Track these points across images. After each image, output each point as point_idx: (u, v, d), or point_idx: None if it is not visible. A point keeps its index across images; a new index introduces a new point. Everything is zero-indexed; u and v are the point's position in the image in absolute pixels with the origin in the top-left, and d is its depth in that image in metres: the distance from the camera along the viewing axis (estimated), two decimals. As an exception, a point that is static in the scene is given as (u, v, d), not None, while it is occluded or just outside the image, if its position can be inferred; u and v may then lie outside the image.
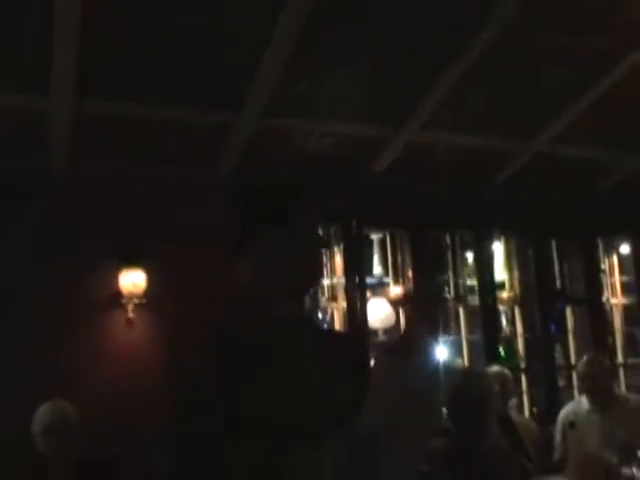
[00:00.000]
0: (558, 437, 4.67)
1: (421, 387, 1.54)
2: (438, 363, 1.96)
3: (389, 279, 6.03)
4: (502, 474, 3.88)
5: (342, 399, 1.62)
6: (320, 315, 5.71)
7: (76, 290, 4.63)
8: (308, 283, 1.99)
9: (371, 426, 1.48)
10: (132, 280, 4.77)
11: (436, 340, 5.78)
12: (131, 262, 4.77)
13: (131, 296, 4.77)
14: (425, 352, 1.67)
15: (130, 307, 4.79)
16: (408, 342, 1.73)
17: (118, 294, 4.80)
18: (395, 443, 1.46)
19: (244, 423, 1.52)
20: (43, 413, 3.65)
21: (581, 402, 4.62)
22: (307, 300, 5.26)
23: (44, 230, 4.64)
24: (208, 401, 1.57)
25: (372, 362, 1.77)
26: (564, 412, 4.70)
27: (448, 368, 1.89)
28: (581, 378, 4.71)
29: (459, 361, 6.05)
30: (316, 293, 5.68)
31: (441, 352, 5.83)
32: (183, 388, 1.64)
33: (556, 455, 4.64)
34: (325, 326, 5.33)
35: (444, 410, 3.50)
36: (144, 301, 4.79)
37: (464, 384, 4.08)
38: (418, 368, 1.62)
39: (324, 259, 5.55)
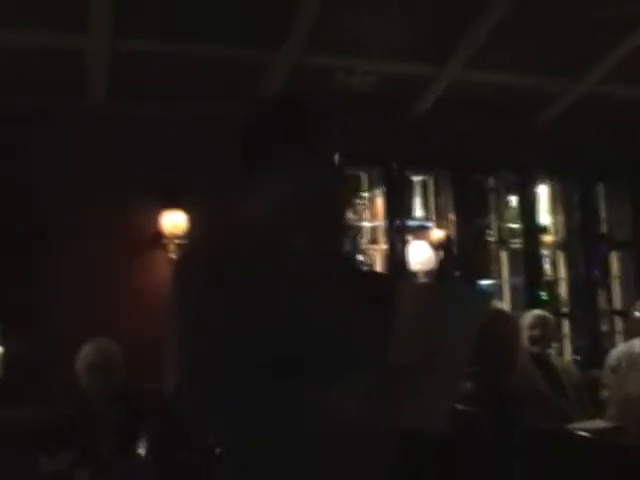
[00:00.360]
0: (605, 379, 4.65)
1: (448, 315, 1.45)
2: (467, 291, 1.91)
3: (431, 222, 5.97)
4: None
5: (361, 334, 1.52)
6: (361, 257, 5.68)
7: (117, 230, 4.65)
8: (328, 216, 1.73)
9: (397, 360, 1.41)
10: (173, 220, 4.78)
11: (478, 283, 5.77)
12: (171, 203, 4.77)
13: (172, 236, 4.78)
14: (451, 280, 1.60)
15: (171, 247, 4.80)
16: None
17: (159, 234, 4.81)
18: (425, 378, 1.40)
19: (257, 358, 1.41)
20: (87, 351, 3.71)
21: (633, 345, 4.57)
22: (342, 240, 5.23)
23: (83, 170, 4.66)
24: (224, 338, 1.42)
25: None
26: (613, 354, 4.68)
27: (478, 297, 1.79)
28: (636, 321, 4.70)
29: (500, 305, 6.02)
30: (356, 235, 5.66)
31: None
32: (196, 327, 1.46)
33: (603, 396, 4.63)
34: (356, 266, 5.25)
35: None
36: (185, 241, 4.80)
37: (490, 322, 4.08)
38: (444, 296, 1.54)
39: (352, 193, 5.44)
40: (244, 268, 1.46)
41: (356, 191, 5.77)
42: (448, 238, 5.79)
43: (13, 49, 4.27)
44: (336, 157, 1.69)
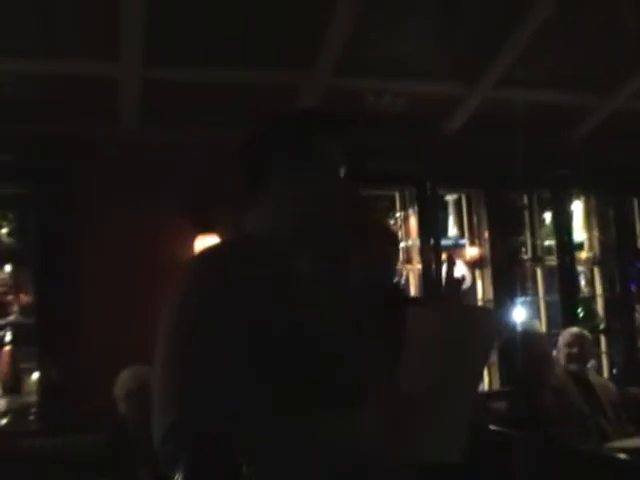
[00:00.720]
0: None
1: (465, 336, 1.39)
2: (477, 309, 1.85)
3: (465, 240, 5.94)
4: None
5: (365, 361, 1.48)
6: (395, 278, 5.66)
7: (151, 257, 4.68)
8: (331, 230, 1.63)
9: (410, 388, 1.36)
10: (207, 245, 4.80)
11: (512, 302, 5.73)
12: (205, 227, 4.79)
13: (206, 261, 4.79)
14: (461, 299, 1.55)
15: (207, 272, 4.81)
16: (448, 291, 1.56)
17: (194, 259, 4.83)
18: (440, 406, 1.35)
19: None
20: (125, 378, 3.75)
21: None
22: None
23: (115, 197, 4.71)
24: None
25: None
26: None
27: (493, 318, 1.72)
28: None
29: (536, 322, 5.97)
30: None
31: (519, 313, 5.79)
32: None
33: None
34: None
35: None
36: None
37: (522, 342, 4.08)
38: (459, 316, 1.47)
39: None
40: (243, 287, 1.40)
41: (389, 210, 5.77)
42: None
43: (46, 77, 4.35)
44: (346, 170, 1.64)
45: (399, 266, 5.71)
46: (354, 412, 1.38)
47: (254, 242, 1.57)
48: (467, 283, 5.76)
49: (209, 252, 1.60)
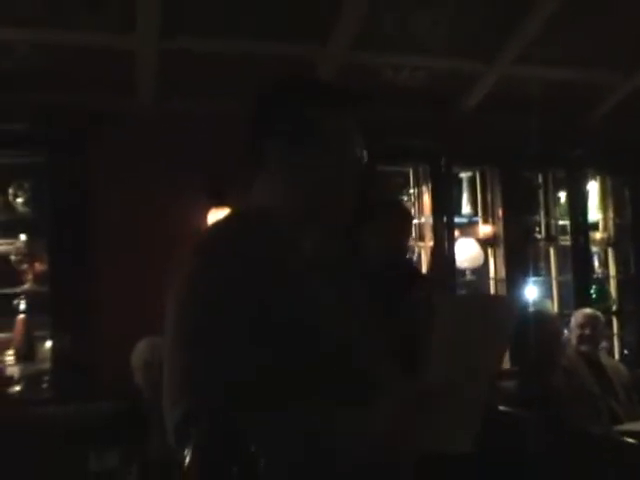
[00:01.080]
0: None
1: (489, 328, 1.37)
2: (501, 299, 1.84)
3: (478, 218, 5.92)
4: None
5: (368, 346, 1.45)
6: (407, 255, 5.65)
7: (164, 227, 4.69)
8: (336, 210, 1.56)
9: (436, 379, 1.32)
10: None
11: (524, 281, 5.71)
12: (219, 200, 4.79)
13: (219, 234, 4.79)
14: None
15: (218, 244, 4.82)
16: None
17: (206, 232, 4.84)
18: (459, 396, 1.34)
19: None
20: (143, 348, 3.79)
21: None
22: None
23: (130, 168, 4.72)
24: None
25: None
26: None
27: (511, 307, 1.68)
28: None
29: (548, 302, 5.96)
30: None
31: (531, 292, 5.78)
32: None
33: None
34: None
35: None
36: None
37: (532, 322, 4.08)
38: (486, 307, 1.46)
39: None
40: (248, 265, 1.38)
41: (402, 186, 5.75)
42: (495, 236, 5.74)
43: (61, 47, 4.35)
44: (356, 143, 1.56)
45: (411, 243, 5.71)
46: (360, 402, 1.35)
47: (259, 218, 1.52)
48: (480, 261, 5.75)
49: (217, 227, 1.59)
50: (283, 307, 1.36)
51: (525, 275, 5.75)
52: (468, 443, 1.40)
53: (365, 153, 1.58)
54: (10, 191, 4.80)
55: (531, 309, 5.48)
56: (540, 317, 4.81)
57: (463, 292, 5.65)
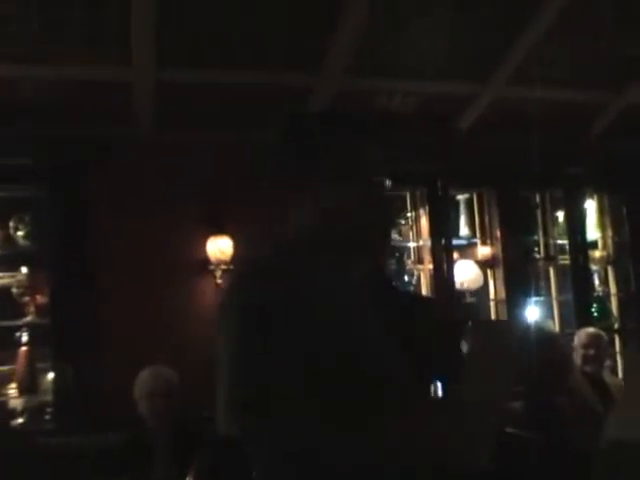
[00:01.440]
0: None
1: (490, 352, 1.45)
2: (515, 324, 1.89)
3: (477, 240, 5.93)
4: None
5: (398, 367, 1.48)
6: (406, 278, 5.66)
7: (164, 257, 4.71)
8: (368, 233, 1.58)
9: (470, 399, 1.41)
10: (219, 247, 4.82)
11: (525, 301, 5.71)
12: (218, 229, 4.82)
13: (219, 262, 4.83)
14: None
15: (218, 273, 4.85)
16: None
17: (206, 260, 4.87)
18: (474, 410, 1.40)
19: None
20: (146, 377, 3.76)
21: None
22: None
23: (130, 198, 4.75)
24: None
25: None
26: None
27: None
28: None
29: (549, 322, 5.95)
30: (402, 256, 5.65)
31: (531, 313, 5.77)
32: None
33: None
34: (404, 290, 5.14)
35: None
36: (232, 267, 4.84)
37: (541, 345, 4.06)
38: (485, 334, 1.53)
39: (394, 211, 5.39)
40: (285, 299, 1.39)
41: (400, 210, 5.77)
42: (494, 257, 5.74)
43: (60, 81, 4.39)
44: (377, 171, 1.59)
45: (410, 266, 5.72)
46: (378, 421, 1.38)
47: (303, 250, 1.54)
48: (479, 282, 5.75)
49: (265, 260, 1.55)
50: (329, 354, 1.38)
51: (525, 295, 5.75)
52: (482, 459, 1.44)
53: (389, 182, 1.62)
54: (11, 224, 4.83)
55: (535, 329, 5.47)
56: (545, 337, 4.80)
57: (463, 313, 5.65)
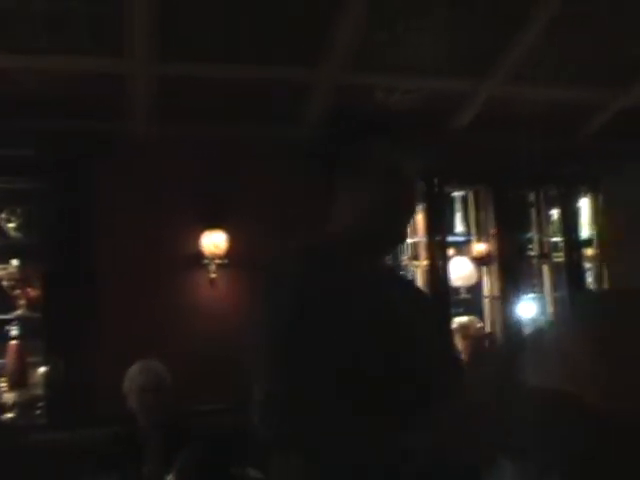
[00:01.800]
0: None
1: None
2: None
3: (472, 237, 5.92)
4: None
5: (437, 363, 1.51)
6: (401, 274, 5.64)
7: (158, 250, 4.69)
8: (394, 241, 1.71)
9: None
10: (213, 241, 4.79)
11: (519, 298, 5.71)
12: (212, 223, 4.79)
13: (213, 257, 4.80)
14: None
15: (212, 268, 4.82)
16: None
17: (200, 255, 4.83)
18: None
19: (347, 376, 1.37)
20: (137, 372, 3.73)
21: None
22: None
23: (126, 192, 4.72)
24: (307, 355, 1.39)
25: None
26: None
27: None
28: None
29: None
30: (397, 252, 5.63)
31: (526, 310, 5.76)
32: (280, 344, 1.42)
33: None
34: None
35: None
36: (226, 261, 4.82)
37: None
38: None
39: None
40: (325, 294, 1.43)
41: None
42: (489, 254, 5.73)
43: (60, 73, 4.35)
44: (413, 173, 1.69)
45: (406, 262, 5.71)
46: (412, 418, 1.38)
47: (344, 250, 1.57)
48: (474, 279, 5.75)
49: (308, 257, 1.58)
50: (372, 357, 1.41)
51: (519, 292, 5.75)
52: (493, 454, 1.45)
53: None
54: (2, 216, 4.79)
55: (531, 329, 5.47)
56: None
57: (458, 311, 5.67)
